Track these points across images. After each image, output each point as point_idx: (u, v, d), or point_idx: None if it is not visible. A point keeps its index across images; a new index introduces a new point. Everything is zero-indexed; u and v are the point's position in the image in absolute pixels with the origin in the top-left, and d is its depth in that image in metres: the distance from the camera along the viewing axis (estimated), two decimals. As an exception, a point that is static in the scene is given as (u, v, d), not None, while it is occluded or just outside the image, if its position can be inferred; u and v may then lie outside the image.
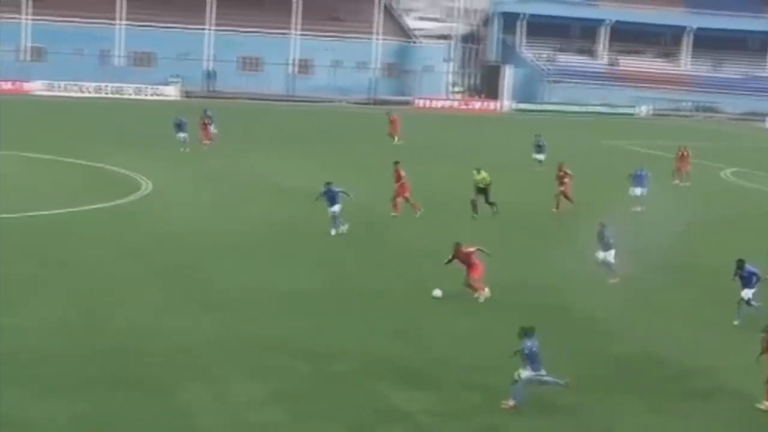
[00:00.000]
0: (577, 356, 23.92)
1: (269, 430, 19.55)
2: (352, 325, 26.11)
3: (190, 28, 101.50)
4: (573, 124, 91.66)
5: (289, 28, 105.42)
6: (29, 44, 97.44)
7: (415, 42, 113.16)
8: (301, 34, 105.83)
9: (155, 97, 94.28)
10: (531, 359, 20.58)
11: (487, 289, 28.38)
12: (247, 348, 23.64)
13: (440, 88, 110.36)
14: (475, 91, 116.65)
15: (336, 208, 36.20)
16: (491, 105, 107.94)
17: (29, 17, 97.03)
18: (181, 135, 57.65)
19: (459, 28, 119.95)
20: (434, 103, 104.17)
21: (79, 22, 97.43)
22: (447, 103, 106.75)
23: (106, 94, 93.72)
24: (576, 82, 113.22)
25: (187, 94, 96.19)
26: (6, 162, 49.55)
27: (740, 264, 27.78)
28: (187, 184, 46.92)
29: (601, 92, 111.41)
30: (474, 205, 41.42)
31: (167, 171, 49.66)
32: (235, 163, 53.10)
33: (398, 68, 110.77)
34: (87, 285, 28.35)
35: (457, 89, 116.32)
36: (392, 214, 40.48)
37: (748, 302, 27.53)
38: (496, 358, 22.35)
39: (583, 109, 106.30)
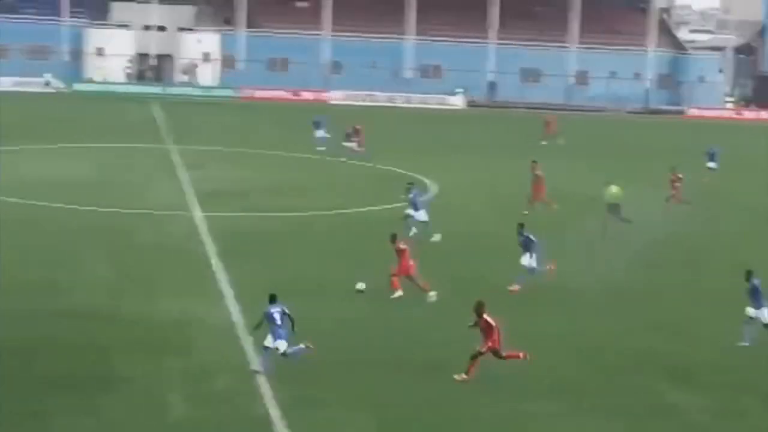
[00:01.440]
0: None
1: (547, 421, 19.62)
2: (613, 322, 25.99)
3: (475, 42, 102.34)
4: None
5: (566, 42, 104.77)
6: (329, 58, 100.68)
7: (688, 53, 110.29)
8: (579, 47, 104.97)
9: (442, 107, 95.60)
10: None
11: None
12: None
13: (713, 98, 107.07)
14: (747, 101, 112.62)
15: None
16: (764, 114, 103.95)
17: (329, 33, 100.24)
18: (319, 133, 56.94)
19: (732, 39, 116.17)
20: (708, 113, 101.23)
21: (374, 38, 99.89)
22: (721, 113, 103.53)
23: (397, 103, 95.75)
24: None
25: (471, 104, 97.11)
26: (308, 164, 51.56)
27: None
28: (471, 187, 47.47)
29: None
30: (604, 226, 36.56)
31: (451, 174, 50.28)
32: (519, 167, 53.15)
33: (672, 79, 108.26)
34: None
35: (730, 99, 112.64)
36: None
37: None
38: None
39: None
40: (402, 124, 77.15)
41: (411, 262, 27.56)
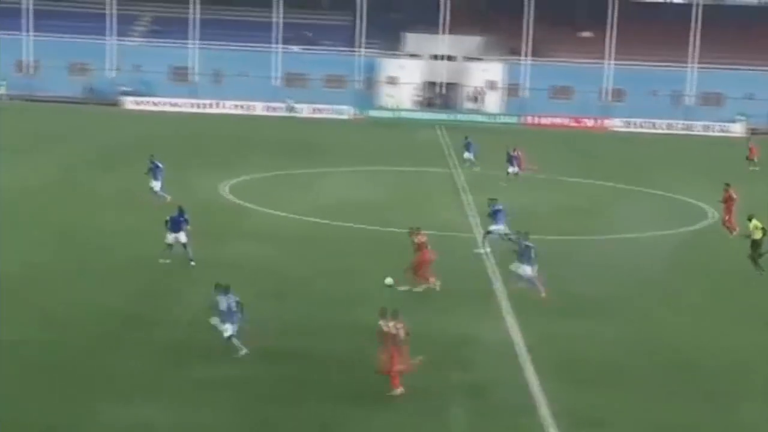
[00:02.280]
0: None
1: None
2: None
3: (754, 70, 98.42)
4: None
5: None
6: (611, 86, 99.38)
7: None
8: None
9: (721, 134, 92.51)
10: None
11: None
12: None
13: None
14: None
15: None
16: None
17: (611, 62, 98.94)
18: (467, 155, 57.38)
19: None
20: None
21: (656, 66, 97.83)
22: None
23: (676, 131, 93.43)
24: None
25: (752, 132, 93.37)
26: (588, 190, 51.05)
27: None
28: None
29: None
30: (754, 261, 33.21)
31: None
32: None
33: None
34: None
35: None
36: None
37: None
38: None
39: None
40: (681, 151, 75.14)
41: (430, 256, 28.96)
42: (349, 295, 28.54)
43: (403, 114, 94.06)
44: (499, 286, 30.04)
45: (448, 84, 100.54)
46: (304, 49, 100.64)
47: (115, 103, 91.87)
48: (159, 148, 59.04)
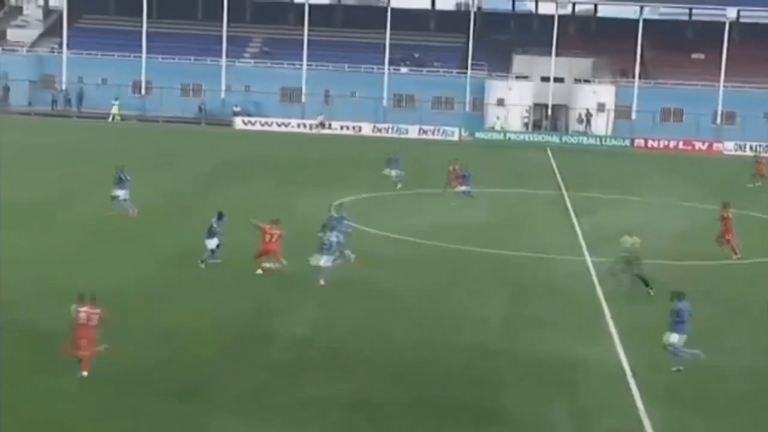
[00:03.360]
0: None
1: None
2: None
3: None
4: None
5: None
6: (723, 108, 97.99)
7: None
8: None
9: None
10: None
11: None
12: None
13: None
14: None
15: None
16: None
17: (724, 84, 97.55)
18: (393, 172, 55.37)
19: None
20: None
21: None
22: None
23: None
24: None
25: None
26: (707, 214, 50.70)
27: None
28: None
29: None
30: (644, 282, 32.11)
31: None
32: None
33: None
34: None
35: None
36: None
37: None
38: None
39: None
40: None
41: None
42: (459, 315, 28.98)
43: (511, 136, 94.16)
44: (606, 309, 30.17)
45: (556, 106, 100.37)
46: (412, 70, 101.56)
47: (226, 123, 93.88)
48: (268, 167, 60.55)
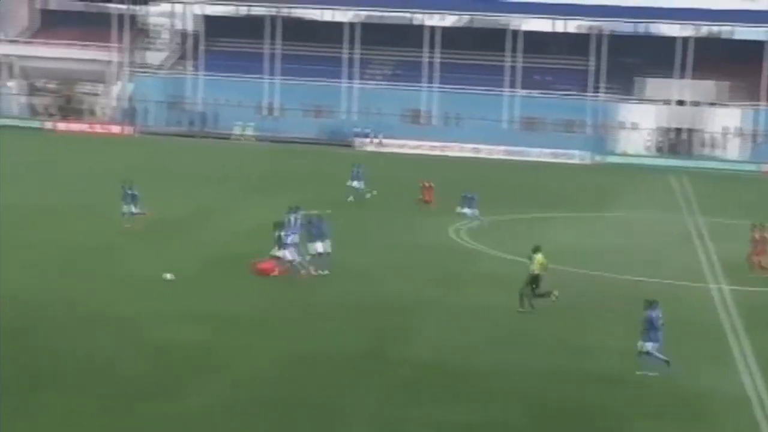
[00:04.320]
0: None
1: None
2: None
3: None
4: None
5: None
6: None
7: None
8: None
9: None
10: None
11: None
12: None
13: None
14: None
15: None
16: None
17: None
18: (355, 183, 56.44)
19: None
20: None
21: None
22: None
23: None
24: None
25: None
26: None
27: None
28: None
29: None
30: (521, 298, 31.84)
31: None
32: None
33: None
34: None
35: None
36: None
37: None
38: None
39: None
40: None
41: None
42: (580, 343, 28.68)
43: (636, 160, 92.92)
44: (735, 338, 29.60)
45: (684, 130, 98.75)
46: (538, 93, 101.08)
47: (349, 144, 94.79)
48: (390, 188, 60.70)
